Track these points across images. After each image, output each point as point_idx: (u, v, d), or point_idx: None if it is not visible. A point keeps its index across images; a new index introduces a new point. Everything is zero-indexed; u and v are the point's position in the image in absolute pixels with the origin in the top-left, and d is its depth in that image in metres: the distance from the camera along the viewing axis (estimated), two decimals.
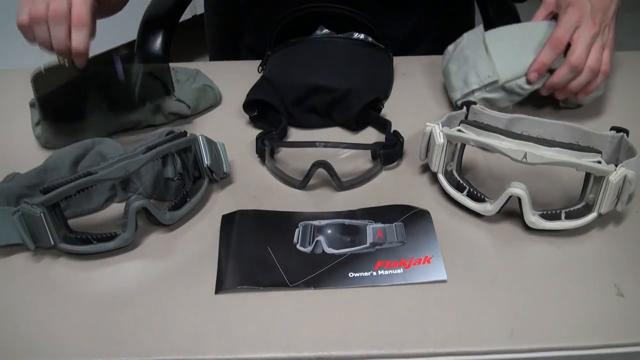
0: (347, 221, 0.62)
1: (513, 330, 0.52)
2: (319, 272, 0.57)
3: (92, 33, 0.66)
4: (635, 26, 2.91)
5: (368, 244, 0.59)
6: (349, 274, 0.56)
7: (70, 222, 0.60)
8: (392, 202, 0.65)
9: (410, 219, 0.63)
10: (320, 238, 0.60)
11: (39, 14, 0.67)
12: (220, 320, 0.53)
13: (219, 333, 0.52)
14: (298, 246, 0.59)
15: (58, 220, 0.58)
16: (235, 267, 0.57)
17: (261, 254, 0.59)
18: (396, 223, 0.62)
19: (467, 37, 0.79)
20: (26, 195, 0.61)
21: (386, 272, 0.57)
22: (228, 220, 0.63)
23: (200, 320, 0.53)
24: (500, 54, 0.74)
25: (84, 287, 0.57)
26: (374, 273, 0.57)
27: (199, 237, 0.62)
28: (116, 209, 0.66)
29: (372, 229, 0.61)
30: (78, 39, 0.64)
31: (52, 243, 0.57)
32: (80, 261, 0.59)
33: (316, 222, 0.62)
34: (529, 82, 0.73)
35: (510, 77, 0.73)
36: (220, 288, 0.56)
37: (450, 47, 0.81)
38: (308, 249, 0.59)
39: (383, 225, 0.62)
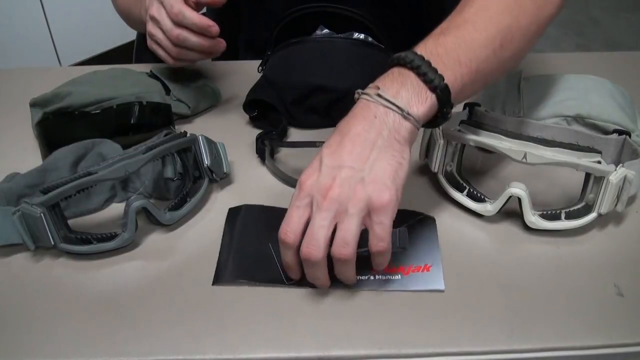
0: None
1: (513, 330, 0.52)
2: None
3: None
4: (635, 26, 2.91)
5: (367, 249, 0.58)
6: None
7: (70, 222, 0.60)
8: None
9: (415, 224, 0.62)
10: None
11: (163, 43, 0.73)
12: (220, 320, 0.53)
13: (219, 333, 0.52)
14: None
15: (58, 220, 0.58)
16: (235, 260, 0.58)
17: (262, 250, 0.59)
18: (400, 228, 0.59)
19: (505, 76, 0.78)
20: (26, 195, 0.61)
21: (384, 277, 0.56)
22: (234, 214, 0.64)
23: (200, 320, 0.53)
24: (530, 97, 0.74)
25: (84, 287, 0.57)
26: (372, 277, 0.56)
27: (199, 237, 0.62)
28: (116, 209, 0.66)
29: None
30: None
31: (52, 243, 0.57)
32: (80, 261, 0.59)
33: None
34: None
35: (534, 117, 0.72)
36: (217, 280, 0.56)
37: None
38: None
39: None
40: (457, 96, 0.55)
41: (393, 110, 0.52)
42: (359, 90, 0.55)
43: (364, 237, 0.56)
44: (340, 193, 0.50)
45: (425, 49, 0.55)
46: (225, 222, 0.63)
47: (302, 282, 0.55)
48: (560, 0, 0.65)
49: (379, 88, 0.54)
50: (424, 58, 0.54)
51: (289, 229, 0.52)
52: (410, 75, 0.53)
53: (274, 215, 0.60)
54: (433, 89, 0.53)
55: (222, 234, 0.61)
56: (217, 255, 0.59)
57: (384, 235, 0.51)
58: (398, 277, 0.56)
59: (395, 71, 0.55)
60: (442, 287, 0.56)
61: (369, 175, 0.51)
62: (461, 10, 0.60)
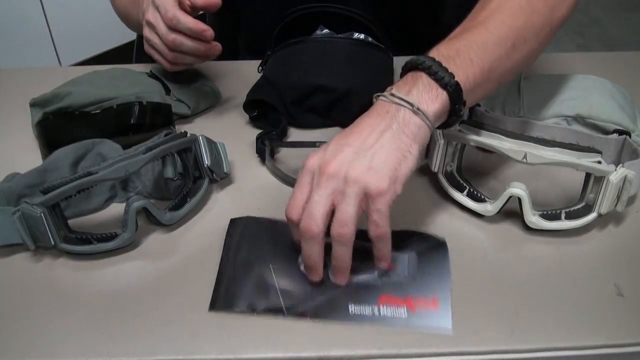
0: (358, 242, 0.54)
1: (513, 330, 0.52)
2: (318, 302, 0.54)
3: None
4: (636, 26, 2.91)
5: (375, 274, 0.56)
6: (350, 308, 0.53)
7: (70, 222, 0.60)
8: (404, 226, 0.62)
9: (426, 250, 0.59)
10: (326, 260, 0.54)
11: (159, 47, 0.73)
12: (220, 320, 0.53)
13: (219, 333, 0.52)
14: (302, 267, 0.56)
15: (58, 220, 0.58)
16: (232, 286, 0.55)
17: (262, 275, 0.56)
18: (409, 253, 0.57)
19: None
20: (26, 195, 0.61)
21: (389, 313, 0.53)
22: (234, 226, 0.61)
23: (200, 320, 0.53)
24: (530, 97, 0.74)
25: (84, 287, 0.57)
26: (376, 311, 0.53)
27: (199, 237, 0.62)
28: (116, 209, 0.66)
29: None
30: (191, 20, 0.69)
31: (52, 243, 0.57)
32: (80, 261, 0.59)
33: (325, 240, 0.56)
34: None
35: (534, 118, 0.72)
36: (214, 306, 0.54)
37: None
38: None
39: (395, 253, 0.56)
40: (470, 95, 0.56)
41: (404, 106, 0.53)
42: (376, 94, 0.56)
43: (365, 264, 0.55)
44: (339, 170, 0.51)
45: (438, 52, 0.57)
46: (226, 234, 0.60)
47: (302, 314, 0.53)
48: (573, 1, 0.66)
49: (392, 89, 0.55)
50: (434, 59, 0.55)
51: (292, 207, 0.52)
52: (422, 76, 0.55)
53: (277, 231, 0.59)
54: (444, 86, 0.54)
55: (222, 243, 0.60)
56: (217, 254, 0.59)
57: (381, 221, 0.51)
58: (404, 314, 0.53)
59: (409, 75, 0.56)
60: (449, 327, 0.52)
61: (370, 161, 0.51)
62: (473, 16, 0.62)
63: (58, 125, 0.72)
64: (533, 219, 0.60)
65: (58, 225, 0.58)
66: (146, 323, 0.53)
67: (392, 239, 0.54)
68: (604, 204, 0.59)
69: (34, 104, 0.77)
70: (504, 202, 0.60)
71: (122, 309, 0.54)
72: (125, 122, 0.72)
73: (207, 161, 0.66)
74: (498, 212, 0.61)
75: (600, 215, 0.60)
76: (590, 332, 0.52)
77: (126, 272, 0.58)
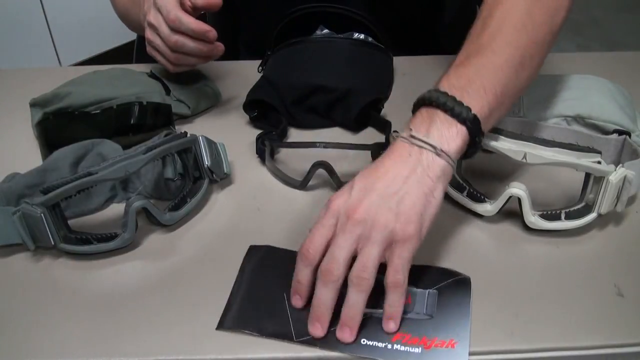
0: (378, 275, 0.51)
1: (513, 330, 0.52)
2: (330, 331, 0.51)
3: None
4: (635, 26, 2.91)
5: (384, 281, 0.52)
6: (362, 340, 0.51)
7: (70, 222, 0.60)
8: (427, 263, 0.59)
9: (447, 287, 0.55)
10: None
11: (161, 49, 0.73)
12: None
13: (219, 333, 0.52)
14: None
15: (58, 221, 0.58)
16: (244, 305, 0.54)
17: (275, 298, 0.54)
18: (430, 290, 0.55)
19: None
20: (26, 196, 0.61)
21: (402, 349, 0.50)
22: (253, 252, 0.60)
23: (200, 320, 0.53)
24: (530, 97, 0.74)
25: (84, 287, 0.57)
26: (389, 346, 0.50)
27: (199, 237, 0.62)
28: (116, 209, 0.66)
29: None
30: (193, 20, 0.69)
31: (52, 243, 0.57)
32: (80, 261, 0.59)
33: None
34: None
35: (534, 118, 0.72)
36: (222, 325, 0.52)
37: None
38: None
39: (415, 289, 0.54)
40: (486, 122, 0.55)
41: (426, 149, 0.52)
42: (395, 132, 0.55)
43: (382, 298, 0.52)
44: (366, 217, 0.50)
45: (448, 83, 0.55)
46: (244, 259, 0.59)
47: (311, 341, 0.51)
48: (569, 2, 0.65)
49: (411, 130, 0.54)
50: (447, 94, 0.54)
51: (311, 246, 0.51)
52: (438, 113, 0.53)
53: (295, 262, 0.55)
54: (462, 122, 0.53)
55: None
56: (217, 254, 0.59)
57: (401, 268, 0.50)
58: (418, 350, 0.50)
59: (424, 111, 0.55)
60: None
61: (397, 206, 0.50)
62: (477, 36, 0.60)
63: (58, 125, 0.72)
64: (533, 219, 0.60)
65: (58, 225, 0.58)
66: (146, 323, 0.53)
67: (414, 272, 0.53)
68: (604, 204, 0.59)
69: (34, 104, 0.77)
70: (504, 202, 0.60)
71: (122, 309, 0.54)
72: (125, 122, 0.72)
73: (207, 161, 0.66)
74: (498, 212, 0.61)
75: (600, 215, 0.60)
76: (590, 332, 0.52)
77: (126, 272, 0.58)
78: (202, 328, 0.52)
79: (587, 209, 0.61)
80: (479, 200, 0.63)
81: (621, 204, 0.60)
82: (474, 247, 0.60)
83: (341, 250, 0.50)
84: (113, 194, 0.67)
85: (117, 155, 0.60)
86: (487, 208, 0.62)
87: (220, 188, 0.69)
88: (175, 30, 0.70)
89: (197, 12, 0.72)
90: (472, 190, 0.64)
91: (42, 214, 0.56)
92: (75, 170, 0.65)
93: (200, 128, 0.79)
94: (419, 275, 0.56)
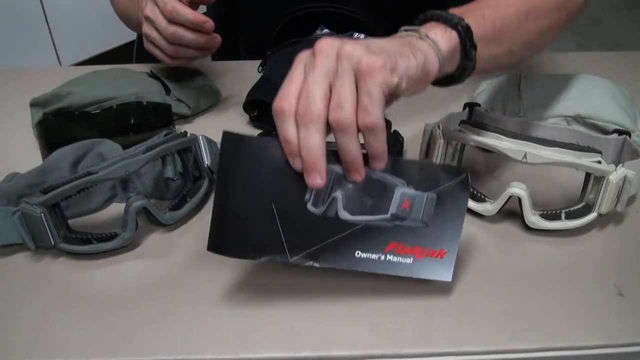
0: (376, 174, 0.51)
1: (513, 330, 0.52)
2: (325, 244, 0.51)
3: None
4: (636, 26, 2.91)
5: (389, 215, 0.52)
6: (356, 253, 0.51)
7: (70, 222, 0.60)
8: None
9: (446, 192, 0.53)
10: (338, 194, 0.51)
11: (158, 42, 0.73)
12: (220, 320, 0.53)
13: (219, 333, 0.52)
14: (309, 205, 0.51)
15: (58, 220, 0.58)
16: (231, 221, 0.50)
17: (264, 212, 0.50)
18: (428, 194, 0.53)
19: (505, 77, 0.79)
20: (26, 195, 0.61)
21: (395, 259, 0.52)
22: (231, 145, 0.50)
23: (200, 320, 0.53)
24: (530, 97, 0.74)
25: (84, 287, 0.57)
26: (382, 257, 0.52)
27: (199, 237, 0.62)
28: (116, 209, 0.66)
29: (401, 195, 0.52)
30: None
31: (52, 243, 0.57)
32: (80, 261, 0.59)
33: (338, 169, 0.50)
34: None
35: (534, 118, 0.72)
36: (212, 247, 0.50)
37: (485, 82, 0.81)
38: (320, 210, 0.51)
39: (414, 193, 0.52)
40: (481, 45, 0.54)
41: (414, 35, 0.52)
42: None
43: (379, 202, 0.51)
44: (331, 46, 0.46)
45: (453, 10, 0.56)
46: (221, 155, 0.50)
47: (306, 255, 0.50)
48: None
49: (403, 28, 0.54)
50: (448, 12, 0.54)
51: (283, 96, 0.47)
52: (433, 23, 0.54)
53: (283, 159, 0.49)
54: (454, 27, 0.52)
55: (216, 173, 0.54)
56: (218, 254, 0.59)
57: (370, 106, 0.45)
58: (409, 260, 0.52)
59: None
60: (449, 278, 0.53)
61: (367, 44, 0.47)
62: None
63: (58, 125, 0.72)
64: (533, 219, 0.60)
65: (58, 225, 0.58)
66: (146, 323, 0.53)
67: (416, 170, 0.52)
68: (604, 204, 0.59)
69: (34, 104, 0.77)
70: (504, 202, 0.60)
71: (122, 309, 0.54)
72: (125, 122, 0.72)
73: (207, 161, 0.66)
74: (498, 212, 0.61)
75: (600, 215, 0.60)
76: (590, 332, 0.52)
77: (126, 272, 0.58)
78: (202, 328, 0.52)
79: (587, 209, 0.61)
80: (479, 200, 0.63)
81: (621, 204, 0.60)
82: (474, 247, 0.60)
83: (314, 85, 0.45)
84: (113, 194, 0.67)
85: (117, 155, 0.60)
86: (487, 208, 0.62)
87: None
88: (172, 21, 0.70)
89: (195, 7, 0.72)
90: (472, 190, 0.64)
91: (42, 214, 0.56)
92: (75, 170, 0.65)
93: (200, 128, 0.79)
94: (419, 172, 0.53)
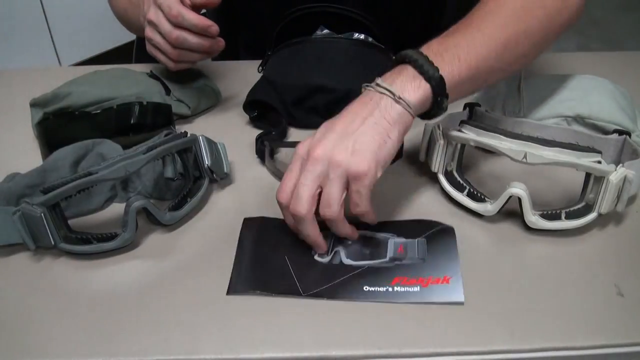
0: (369, 233, 0.61)
1: (513, 330, 0.52)
2: (334, 283, 0.56)
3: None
4: (636, 26, 2.91)
5: (387, 259, 0.58)
6: (364, 287, 0.55)
7: (70, 222, 0.60)
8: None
9: (434, 235, 0.61)
10: (340, 248, 0.59)
11: (162, 46, 0.73)
12: (220, 320, 0.53)
13: (219, 333, 0.52)
14: (316, 257, 0.59)
15: (58, 220, 0.58)
16: (249, 271, 0.57)
17: (278, 262, 0.58)
18: (419, 239, 0.60)
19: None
20: (26, 195, 0.61)
21: (402, 289, 0.55)
22: (249, 224, 0.63)
23: (200, 320, 0.53)
24: (530, 97, 0.74)
25: (84, 287, 0.57)
26: (390, 289, 0.55)
27: (199, 237, 0.62)
28: (116, 209, 0.66)
29: (394, 243, 0.60)
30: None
31: (52, 243, 0.57)
32: (80, 261, 0.59)
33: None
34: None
35: (534, 118, 0.72)
36: (232, 290, 0.55)
37: None
38: (326, 259, 0.58)
39: (405, 240, 0.60)
40: (455, 89, 0.58)
41: (386, 95, 0.56)
42: (365, 84, 0.59)
43: (377, 251, 0.59)
44: (323, 154, 0.54)
45: (428, 48, 0.59)
46: (241, 230, 0.62)
47: (318, 293, 0.55)
48: (576, 9, 0.69)
49: (378, 79, 0.58)
50: (422, 54, 0.58)
51: (282, 191, 0.56)
52: (408, 68, 0.58)
53: (290, 229, 0.60)
54: (427, 79, 0.57)
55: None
56: (217, 254, 0.59)
57: (360, 202, 0.55)
58: (417, 289, 0.55)
59: (397, 67, 0.59)
60: (461, 299, 0.54)
61: (352, 145, 0.54)
62: (471, 14, 0.64)
63: (58, 125, 0.72)
64: (533, 218, 0.60)
65: (58, 225, 0.58)
66: (146, 323, 0.53)
67: (402, 227, 0.61)
68: (604, 204, 0.59)
69: (34, 104, 0.77)
70: (504, 202, 0.60)
71: (122, 309, 0.54)
72: (126, 122, 0.72)
73: (207, 161, 0.66)
74: (498, 212, 0.61)
75: (600, 215, 0.60)
76: (590, 332, 0.52)
77: (126, 272, 0.58)
78: (202, 328, 0.52)
79: (587, 209, 0.61)
80: (479, 200, 0.63)
81: (621, 204, 0.60)
82: (474, 247, 0.60)
83: (304, 187, 0.54)
84: (113, 194, 0.67)
85: (117, 155, 0.60)
86: (487, 208, 0.62)
87: (220, 188, 0.69)
88: (177, 25, 0.70)
89: (197, 10, 0.72)
90: (472, 190, 0.64)
91: (42, 214, 0.56)
92: (75, 170, 0.65)
93: (200, 128, 0.79)
94: (407, 227, 0.62)
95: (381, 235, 0.61)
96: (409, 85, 0.56)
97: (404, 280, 0.56)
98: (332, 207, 0.55)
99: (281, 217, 0.59)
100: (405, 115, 0.56)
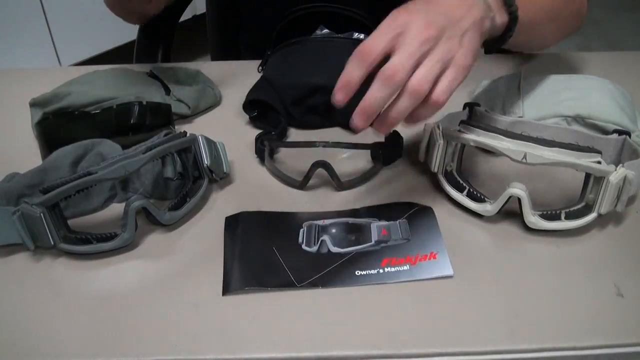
0: (350, 220, 0.62)
1: (513, 330, 0.52)
2: (326, 272, 0.57)
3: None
4: (636, 26, 2.91)
5: (373, 242, 0.60)
6: (356, 272, 0.57)
7: (70, 222, 0.60)
8: (392, 201, 0.65)
9: (414, 216, 0.63)
10: (325, 237, 0.60)
11: None
12: (220, 320, 0.53)
13: (219, 333, 0.52)
14: (303, 246, 0.60)
15: (58, 220, 0.58)
16: (241, 268, 0.57)
17: (267, 255, 0.59)
18: (400, 220, 0.62)
19: (505, 77, 0.79)
20: (26, 195, 0.61)
21: (393, 269, 0.57)
22: (232, 222, 0.63)
23: (200, 320, 0.53)
24: (530, 97, 0.74)
25: (84, 287, 0.57)
26: (381, 270, 0.57)
27: (199, 237, 0.62)
28: (116, 209, 0.66)
29: (377, 227, 0.61)
30: None
31: (52, 243, 0.57)
32: (80, 261, 0.59)
33: (320, 222, 0.62)
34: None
35: (534, 118, 0.73)
36: (227, 290, 0.55)
37: (485, 82, 0.81)
38: (313, 249, 0.59)
39: (387, 222, 0.62)
40: (516, 33, 0.64)
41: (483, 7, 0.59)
42: None
43: (361, 236, 0.60)
44: (437, 36, 0.53)
45: None
46: (225, 230, 0.62)
47: (313, 282, 0.56)
48: (582, 18, 0.81)
49: None
50: None
51: (372, 45, 0.53)
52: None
53: (273, 220, 0.62)
54: (509, 13, 0.63)
55: (222, 242, 0.61)
56: (217, 255, 0.59)
57: (448, 91, 0.53)
58: (407, 267, 0.57)
59: None
60: (450, 272, 0.56)
61: (461, 37, 0.54)
62: None
63: (58, 125, 0.72)
64: (533, 219, 0.60)
65: (57, 225, 0.58)
66: (146, 323, 0.53)
67: (382, 211, 0.63)
68: (604, 204, 0.59)
69: (34, 104, 0.77)
70: (504, 202, 0.60)
71: (122, 309, 0.54)
72: (125, 122, 0.72)
73: (206, 161, 0.66)
74: (498, 212, 0.61)
75: (600, 215, 0.60)
76: (590, 332, 0.52)
77: (126, 272, 0.58)
78: (202, 328, 0.52)
79: (587, 209, 0.61)
80: (479, 200, 0.63)
81: (621, 204, 0.60)
82: (474, 247, 0.60)
83: (410, 59, 0.52)
84: (113, 194, 0.67)
85: (116, 155, 0.60)
86: (487, 208, 0.62)
87: (220, 188, 0.69)
88: None
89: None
90: (472, 190, 0.64)
91: (41, 214, 0.56)
92: (75, 170, 0.65)
93: (200, 128, 0.79)
94: (387, 211, 0.64)
95: (362, 220, 0.62)
96: (498, 11, 0.60)
97: (393, 261, 0.57)
98: (425, 85, 0.52)
99: (262, 209, 0.61)
100: (486, 34, 0.59)
